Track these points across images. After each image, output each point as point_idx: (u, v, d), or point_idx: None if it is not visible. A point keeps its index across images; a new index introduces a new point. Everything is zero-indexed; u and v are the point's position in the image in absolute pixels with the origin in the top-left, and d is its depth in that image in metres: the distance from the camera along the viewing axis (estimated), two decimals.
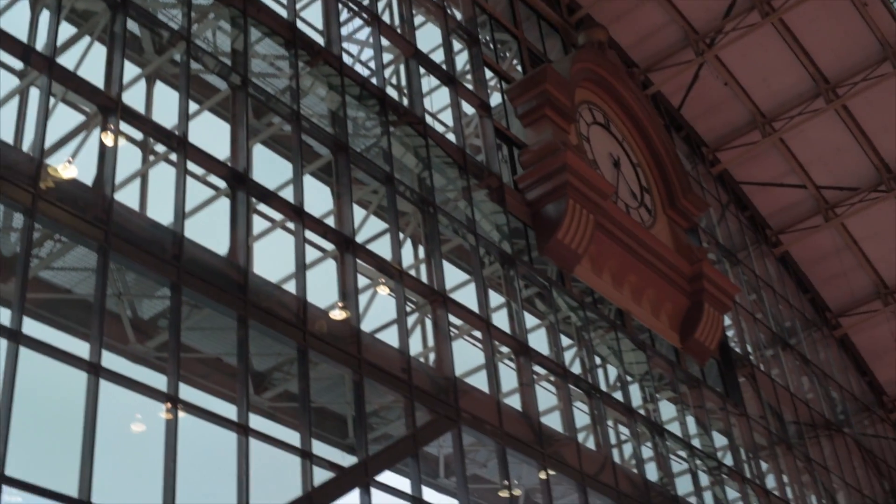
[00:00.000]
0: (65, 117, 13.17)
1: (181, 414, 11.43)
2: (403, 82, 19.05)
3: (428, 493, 14.24)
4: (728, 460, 22.27)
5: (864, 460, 29.85)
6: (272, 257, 14.71)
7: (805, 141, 28.97)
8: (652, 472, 19.53)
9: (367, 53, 19.15)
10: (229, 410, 12.21)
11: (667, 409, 21.25)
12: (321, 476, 12.74)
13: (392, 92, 18.47)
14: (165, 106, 13.93)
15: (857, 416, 31.20)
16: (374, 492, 13.32)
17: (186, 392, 11.91)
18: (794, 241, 30.93)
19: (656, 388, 21.11)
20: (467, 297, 17.21)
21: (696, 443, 21.23)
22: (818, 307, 32.16)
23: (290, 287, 14.04)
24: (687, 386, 22.09)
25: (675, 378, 21.63)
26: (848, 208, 29.83)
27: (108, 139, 12.39)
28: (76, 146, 12.94)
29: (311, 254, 14.87)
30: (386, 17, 19.33)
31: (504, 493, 15.80)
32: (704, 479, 21.13)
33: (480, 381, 16.57)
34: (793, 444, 25.70)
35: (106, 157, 12.27)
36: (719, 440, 22.49)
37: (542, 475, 16.58)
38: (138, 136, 14.04)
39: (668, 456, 20.07)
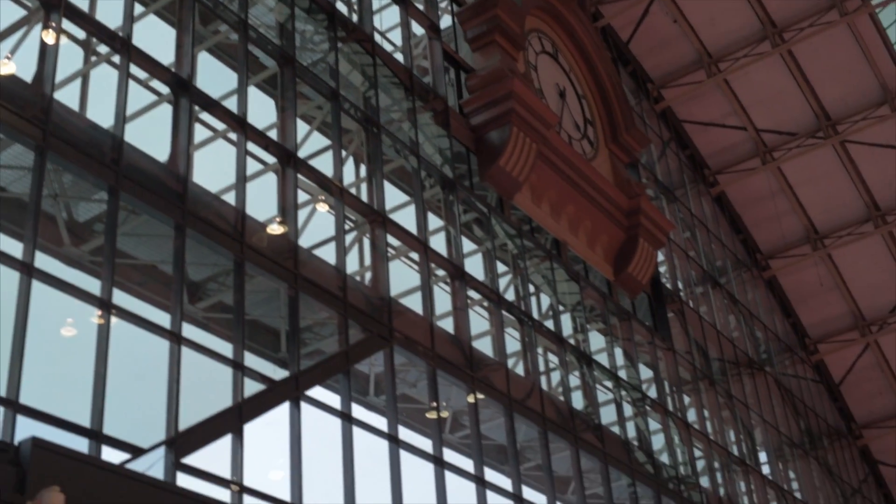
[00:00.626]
0: (5, 12, 12.82)
1: (114, 319, 11.37)
2: None
3: (357, 409, 14.38)
4: (652, 393, 22.73)
5: (783, 399, 30.64)
6: (212, 167, 14.55)
7: (748, 83, 29.20)
8: (578, 401, 19.89)
9: None
10: (163, 318, 12.17)
11: (596, 340, 21.58)
12: (252, 388, 12.79)
13: (342, 7, 18.22)
14: (110, 6, 13.60)
15: (779, 356, 31.94)
16: (304, 406, 13.42)
17: (120, 298, 11.85)
18: (730, 182, 31.31)
19: (587, 319, 21.41)
20: (406, 218, 17.24)
21: (622, 374, 21.63)
22: (749, 248, 32.70)
23: (230, 198, 13.95)
24: (617, 318, 22.43)
25: (606, 310, 21.95)
26: (785, 153, 30.20)
27: (50, 37, 12.11)
28: (16, 42, 12.63)
29: (251, 166, 14.74)
30: None
31: (432, 415, 16.01)
32: (628, 410, 21.57)
33: (415, 303, 16.68)
34: (716, 380, 26.28)
35: (47, 55, 12.01)
36: (645, 373, 22.94)
37: (471, 398, 16.82)
38: (81, 35, 13.72)
39: (595, 386, 20.44)
